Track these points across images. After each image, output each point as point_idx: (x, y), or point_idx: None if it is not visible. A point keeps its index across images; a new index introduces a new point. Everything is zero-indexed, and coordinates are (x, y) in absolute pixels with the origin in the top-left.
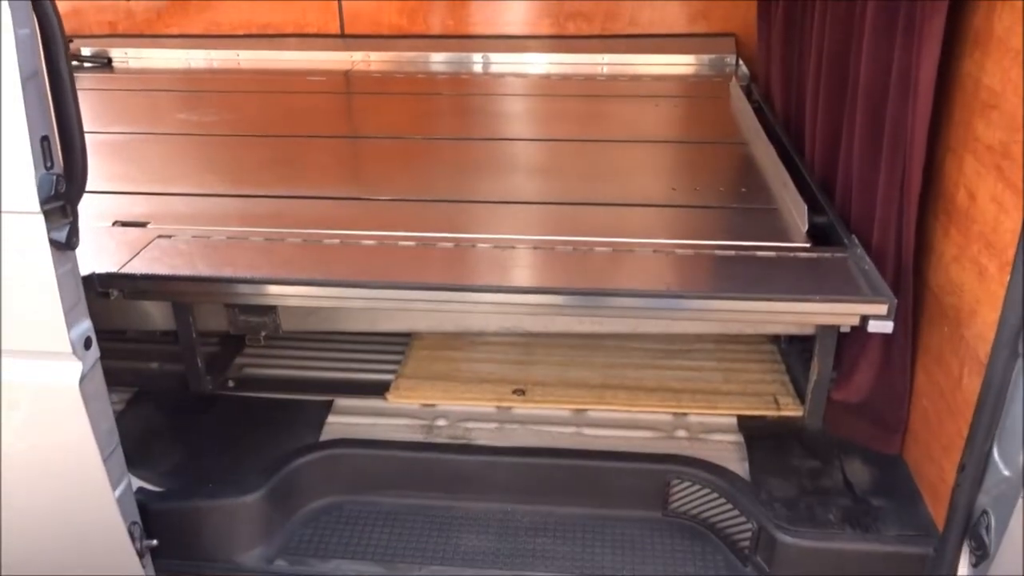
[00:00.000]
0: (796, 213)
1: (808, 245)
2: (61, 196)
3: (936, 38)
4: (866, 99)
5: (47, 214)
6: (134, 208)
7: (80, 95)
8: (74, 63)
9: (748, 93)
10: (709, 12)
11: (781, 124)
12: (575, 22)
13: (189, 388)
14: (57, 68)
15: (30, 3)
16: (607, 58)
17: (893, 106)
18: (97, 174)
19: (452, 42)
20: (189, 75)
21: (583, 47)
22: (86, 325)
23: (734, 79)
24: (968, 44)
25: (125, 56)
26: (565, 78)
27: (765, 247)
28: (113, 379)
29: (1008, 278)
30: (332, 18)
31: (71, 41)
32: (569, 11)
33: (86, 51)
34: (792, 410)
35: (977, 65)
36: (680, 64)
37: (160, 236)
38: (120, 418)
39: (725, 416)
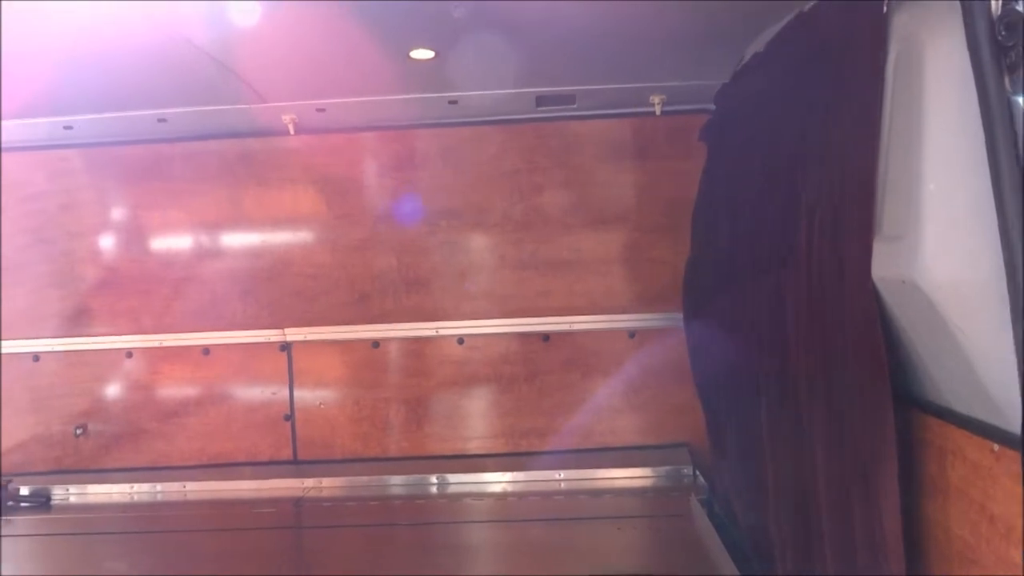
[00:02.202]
0: None
1: None
2: None
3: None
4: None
5: None
6: None
7: (8, 542)
8: (9, 504)
9: (710, 507)
10: (660, 424)
11: (747, 539)
12: (528, 439)
13: None
14: None
15: None
16: (564, 474)
17: (862, 555)
18: None
19: (407, 464)
20: (130, 511)
21: (539, 463)
22: None
23: (692, 496)
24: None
25: (67, 493)
26: (522, 497)
27: None
28: None
29: None
30: (285, 444)
31: (10, 481)
32: (522, 429)
33: (24, 490)
34: None
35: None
36: (636, 477)
37: None
38: None
39: None
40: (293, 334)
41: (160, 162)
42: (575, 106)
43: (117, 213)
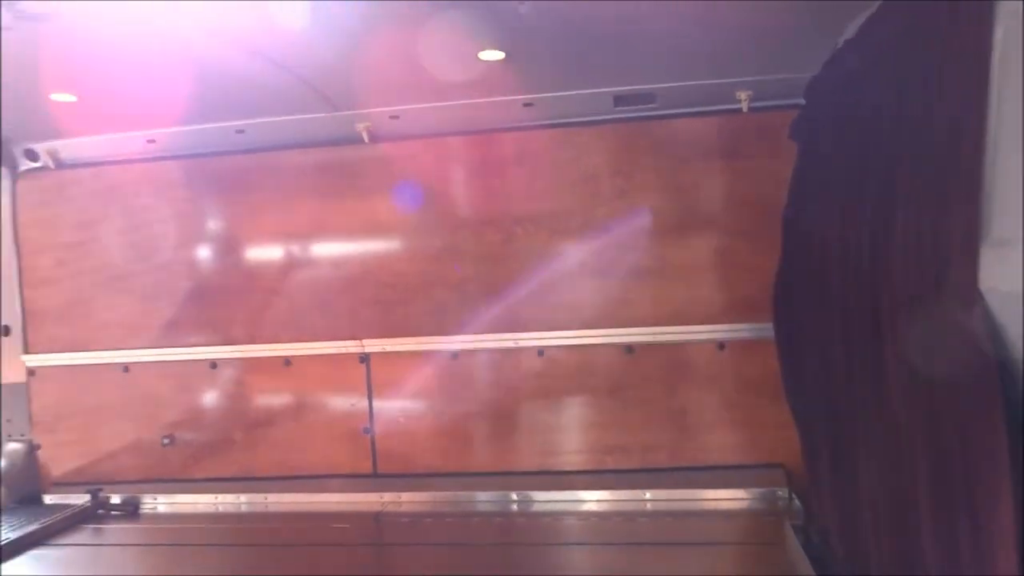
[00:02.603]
0: None
1: None
2: None
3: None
4: None
5: None
6: None
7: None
8: (100, 512)
9: (805, 533)
10: (754, 442)
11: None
12: (612, 456)
13: None
14: None
15: None
16: (650, 493)
17: None
18: None
19: (487, 479)
20: (215, 522)
21: (624, 482)
22: None
23: (787, 522)
24: None
25: (155, 502)
26: (606, 517)
27: None
28: None
29: None
30: (364, 457)
31: (100, 489)
32: (606, 445)
33: (115, 499)
34: None
35: None
36: (728, 499)
37: None
38: None
39: None
40: (372, 345)
41: (239, 173)
42: (655, 105)
43: (198, 224)
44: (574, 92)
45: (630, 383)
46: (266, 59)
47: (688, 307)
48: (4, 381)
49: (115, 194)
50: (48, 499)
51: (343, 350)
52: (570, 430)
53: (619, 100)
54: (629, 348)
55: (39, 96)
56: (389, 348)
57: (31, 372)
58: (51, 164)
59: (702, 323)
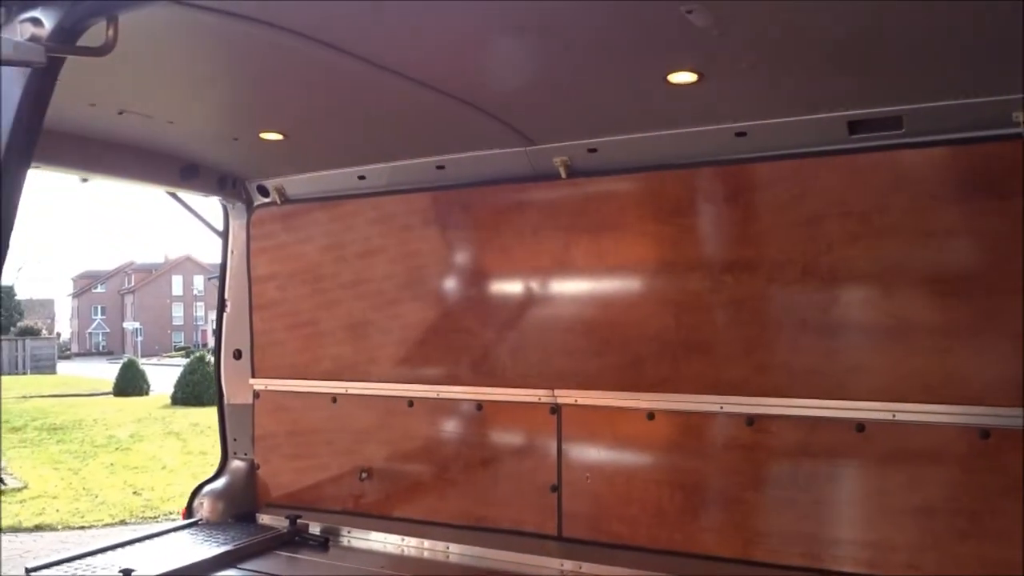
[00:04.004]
0: None
1: None
2: None
3: None
4: None
5: None
6: None
7: None
8: (296, 539)
9: None
10: (1013, 563)
11: None
12: (830, 553)
13: None
14: None
15: None
16: None
17: None
18: None
19: (676, 560)
20: (398, 565)
21: None
22: None
23: None
24: None
25: (349, 535)
26: None
27: None
28: None
29: None
30: (550, 516)
31: (299, 516)
32: (824, 540)
33: (315, 528)
34: None
35: None
36: None
37: None
38: None
39: None
40: (563, 396)
41: (438, 207)
42: (903, 131)
43: (401, 260)
44: (798, 118)
45: (858, 469)
46: (460, 101)
47: (940, 382)
48: (233, 402)
49: (327, 226)
50: (262, 518)
51: (535, 399)
52: (780, 515)
53: (855, 126)
54: (860, 426)
55: (253, 135)
56: (581, 401)
57: (256, 395)
58: (278, 200)
59: (959, 403)
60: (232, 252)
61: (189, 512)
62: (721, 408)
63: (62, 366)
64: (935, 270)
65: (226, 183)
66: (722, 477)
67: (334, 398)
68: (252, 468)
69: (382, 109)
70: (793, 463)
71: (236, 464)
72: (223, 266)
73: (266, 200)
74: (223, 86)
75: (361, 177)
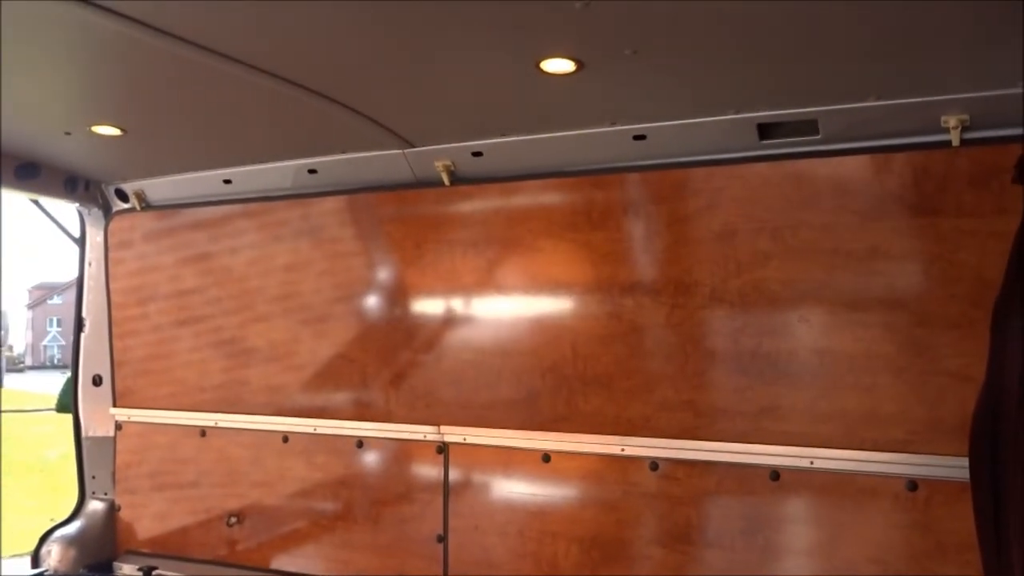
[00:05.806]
0: None
1: None
2: None
3: None
4: None
5: None
6: None
7: None
8: None
9: None
10: None
11: None
12: None
13: None
14: None
15: None
16: None
17: None
18: None
19: None
20: None
21: None
22: None
23: None
24: None
25: None
26: None
27: None
28: None
29: None
30: (436, 568)
31: (154, 568)
32: None
33: None
34: None
35: None
36: None
37: None
38: None
39: None
40: (451, 434)
41: (311, 215)
42: (819, 136)
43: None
44: (702, 120)
45: (773, 521)
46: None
47: (863, 424)
48: (92, 434)
49: (193, 235)
50: (120, 568)
51: (420, 436)
52: (687, 573)
53: (765, 130)
54: (775, 474)
55: (84, 129)
56: (471, 439)
57: (119, 426)
58: (138, 205)
59: (884, 449)
60: (90, 264)
61: (35, 561)
62: (622, 450)
63: (13, 379)
64: (857, 296)
65: (76, 185)
66: (624, 529)
67: (203, 431)
68: (112, 509)
69: (237, 105)
70: (701, 514)
71: (94, 506)
72: (80, 280)
73: (125, 206)
74: (43, 72)
75: (227, 181)
